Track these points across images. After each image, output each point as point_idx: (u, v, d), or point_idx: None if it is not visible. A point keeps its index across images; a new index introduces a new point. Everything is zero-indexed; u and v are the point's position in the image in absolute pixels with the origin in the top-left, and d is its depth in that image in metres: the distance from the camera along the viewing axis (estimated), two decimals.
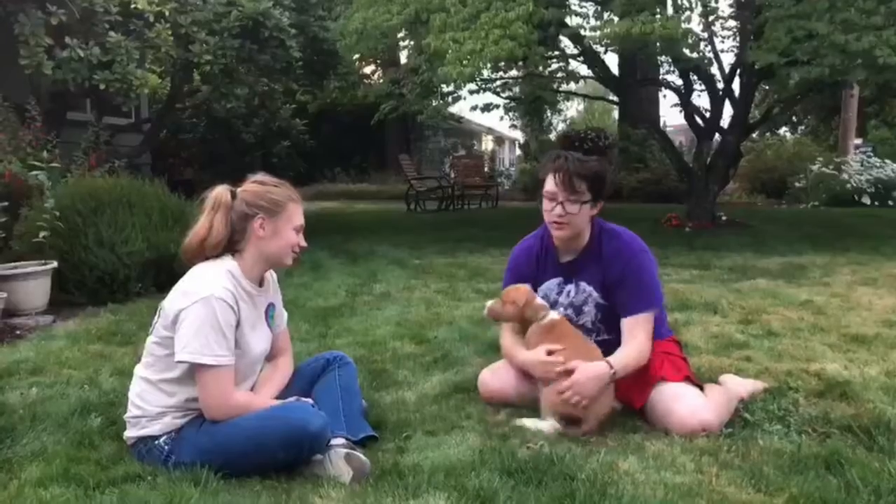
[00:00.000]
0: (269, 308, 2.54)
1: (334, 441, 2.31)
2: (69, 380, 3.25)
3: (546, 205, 2.75)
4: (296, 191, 2.50)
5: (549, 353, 2.65)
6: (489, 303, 2.87)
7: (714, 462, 2.30)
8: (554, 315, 2.76)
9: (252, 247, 2.39)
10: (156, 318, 2.39)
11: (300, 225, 2.45)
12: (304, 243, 2.48)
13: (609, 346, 2.75)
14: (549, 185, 2.72)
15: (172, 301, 2.31)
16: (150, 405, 2.34)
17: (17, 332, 4.31)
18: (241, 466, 2.22)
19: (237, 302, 2.31)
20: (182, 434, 2.31)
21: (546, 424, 2.60)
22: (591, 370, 2.58)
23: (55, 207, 5.05)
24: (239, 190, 2.42)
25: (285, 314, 2.69)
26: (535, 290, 2.86)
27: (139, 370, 2.42)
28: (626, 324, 2.73)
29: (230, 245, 2.39)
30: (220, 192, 2.41)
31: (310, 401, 2.46)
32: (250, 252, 2.40)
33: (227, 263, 2.37)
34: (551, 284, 2.89)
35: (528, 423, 2.63)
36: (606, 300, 2.79)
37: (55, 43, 6.29)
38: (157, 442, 2.32)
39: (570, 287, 2.84)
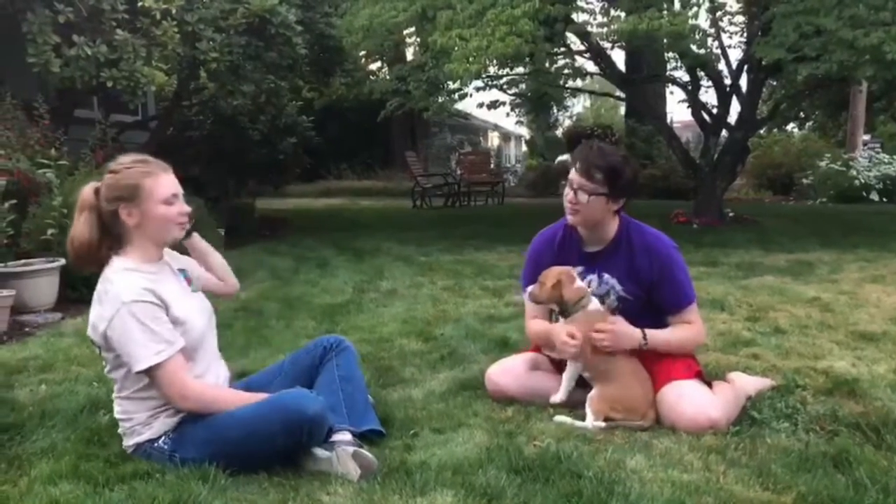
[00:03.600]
0: (181, 273, 2.50)
1: (340, 436, 2.31)
2: (78, 377, 3.26)
3: (566, 190, 2.80)
4: (156, 160, 2.39)
5: (571, 336, 2.66)
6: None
7: (721, 460, 2.30)
8: (596, 303, 2.76)
9: (133, 236, 2.33)
10: (96, 350, 2.36)
11: (169, 195, 2.34)
12: (185, 209, 2.38)
13: None
14: (572, 171, 2.79)
15: (94, 329, 2.28)
16: (137, 414, 2.33)
17: (26, 330, 4.33)
18: (242, 456, 2.22)
19: (152, 289, 2.25)
20: (181, 431, 2.31)
21: (588, 423, 2.60)
22: (628, 328, 2.72)
23: (63, 205, 5.07)
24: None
25: (200, 270, 2.63)
26: None
27: (115, 395, 2.40)
28: (672, 321, 2.81)
29: (118, 239, 2.34)
30: (85, 191, 2.36)
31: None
32: (136, 240, 2.34)
33: (121, 263, 2.31)
34: None
35: (570, 421, 2.62)
36: (628, 293, 2.79)
37: (63, 41, 6.30)
38: (156, 444, 2.32)
39: (593, 277, 2.84)
